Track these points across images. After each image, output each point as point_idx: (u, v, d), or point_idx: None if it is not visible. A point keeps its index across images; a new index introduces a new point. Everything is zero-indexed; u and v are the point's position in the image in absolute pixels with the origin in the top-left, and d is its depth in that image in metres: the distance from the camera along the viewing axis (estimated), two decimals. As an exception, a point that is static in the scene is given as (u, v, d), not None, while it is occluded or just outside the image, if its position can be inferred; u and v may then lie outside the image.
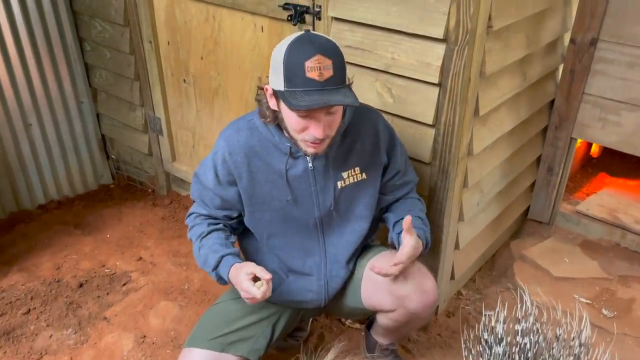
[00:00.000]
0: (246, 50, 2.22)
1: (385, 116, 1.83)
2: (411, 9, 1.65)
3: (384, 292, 1.62)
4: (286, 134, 1.50)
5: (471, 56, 1.63)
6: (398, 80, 1.79)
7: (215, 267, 1.53)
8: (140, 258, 2.50)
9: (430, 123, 1.76)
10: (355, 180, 1.60)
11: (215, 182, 1.59)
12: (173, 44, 2.50)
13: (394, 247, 1.63)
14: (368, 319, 1.94)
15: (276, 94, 1.40)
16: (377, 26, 1.75)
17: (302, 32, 1.38)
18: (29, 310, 2.20)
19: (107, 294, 2.29)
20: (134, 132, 2.96)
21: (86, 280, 2.36)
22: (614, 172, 3.12)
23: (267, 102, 1.47)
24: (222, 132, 1.61)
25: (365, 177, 1.61)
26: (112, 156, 3.20)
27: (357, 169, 1.59)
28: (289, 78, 1.34)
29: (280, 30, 2.06)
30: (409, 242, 1.49)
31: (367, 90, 1.86)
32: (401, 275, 1.56)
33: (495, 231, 2.40)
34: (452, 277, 2.15)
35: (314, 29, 1.92)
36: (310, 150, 1.46)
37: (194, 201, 1.68)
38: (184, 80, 2.56)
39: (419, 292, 1.58)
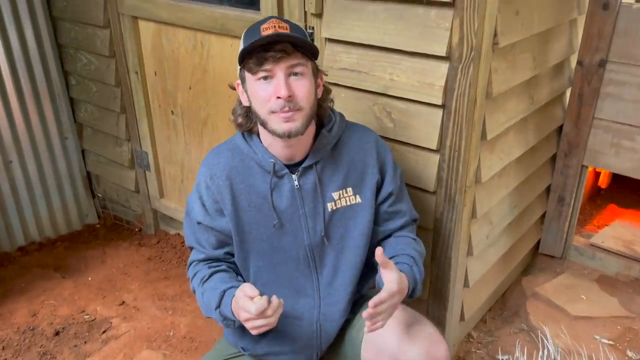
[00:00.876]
0: (235, 78, 2.10)
1: (385, 142, 1.70)
2: (410, 26, 1.53)
3: (385, 355, 1.38)
4: (264, 143, 1.41)
5: (477, 75, 1.50)
6: (398, 102, 1.66)
7: (218, 306, 1.36)
8: (123, 302, 2.32)
9: (434, 148, 1.62)
10: (348, 203, 1.45)
11: (203, 213, 1.46)
12: (160, 74, 2.39)
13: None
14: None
15: (242, 76, 1.37)
16: (374, 46, 1.63)
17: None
18: (-2, 362, 2.00)
19: (85, 342, 2.09)
20: (121, 168, 2.82)
21: (63, 328, 2.17)
22: (624, 204, 2.98)
23: (239, 105, 1.41)
24: (202, 161, 1.49)
25: (360, 201, 1.45)
26: (98, 194, 3.05)
27: (350, 190, 1.45)
28: (246, 41, 1.30)
29: (271, 55, 1.94)
30: (389, 277, 1.26)
31: (364, 115, 1.73)
32: (408, 338, 1.35)
33: (506, 267, 2.23)
34: (462, 319, 1.97)
35: (306, 52, 1.81)
36: (282, 126, 1.32)
37: (191, 249, 1.54)
38: (172, 111, 2.43)
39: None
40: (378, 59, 1.64)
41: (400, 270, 1.32)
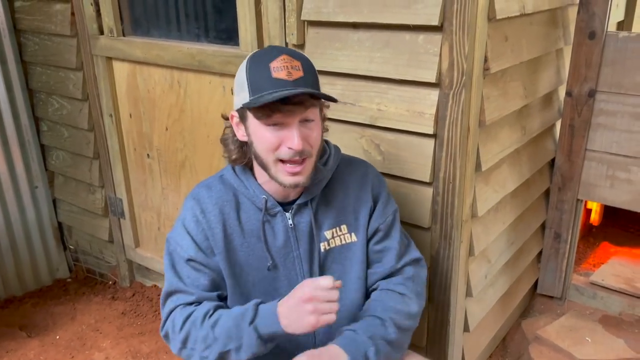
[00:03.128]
0: (215, 116, 2.01)
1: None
2: (397, 52, 1.46)
3: None
4: (259, 180, 1.28)
5: (469, 101, 1.42)
6: (387, 134, 1.57)
7: (252, 321, 1.16)
8: (93, 362, 2.13)
9: (427, 180, 1.53)
10: (343, 242, 1.33)
11: (195, 249, 1.27)
12: (135, 116, 2.29)
13: None
14: None
15: (242, 113, 1.20)
16: (359, 75, 1.56)
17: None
18: None
19: (49, 409, 1.89)
20: (94, 217, 2.67)
21: (25, 393, 1.97)
22: (617, 241, 2.90)
23: (232, 136, 1.27)
24: (186, 198, 1.34)
25: (356, 240, 1.33)
26: (70, 246, 2.88)
27: (344, 228, 1.33)
28: (254, 86, 1.16)
29: (251, 91, 1.86)
30: None
31: (351, 148, 1.64)
32: None
33: (505, 309, 2.10)
34: (463, 368, 1.82)
35: (288, 85, 1.73)
36: (289, 179, 1.20)
37: (168, 297, 1.30)
38: (148, 154, 2.32)
39: None
40: (364, 88, 1.56)
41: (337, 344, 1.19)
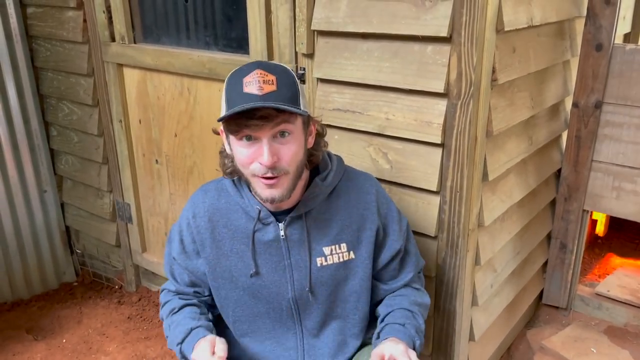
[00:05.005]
0: (224, 124, 2.03)
1: (382, 184, 1.61)
2: (406, 63, 1.48)
3: None
4: (252, 193, 1.28)
5: (477, 112, 1.44)
6: (394, 143, 1.58)
7: (181, 342, 1.29)
8: (99, 366, 2.14)
9: (434, 190, 1.54)
10: (341, 259, 1.33)
11: (179, 250, 1.38)
12: (145, 122, 2.31)
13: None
14: None
15: (224, 128, 1.23)
16: (368, 85, 1.57)
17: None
18: None
19: (55, 412, 1.90)
20: (101, 222, 2.69)
21: (31, 396, 1.98)
22: (623, 253, 2.89)
23: (224, 149, 1.30)
24: (190, 197, 1.40)
25: (354, 257, 1.34)
26: (77, 250, 2.90)
27: (344, 246, 1.32)
28: (228, 101, 1.17)
29: (260, 98, 1.88)
30: (395, 350, 1.18)
31: (359, 157, 1.65)
32: None
33: (511, 319, 2.10)
34: (467, 378, 1.83)
35: (298, 94, 1.75)
36: (265, 192, 1.21)
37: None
38: (157, 160, 2.34)
39: None
40: (373, 98, 1.58)
41: (395, 336, 1.25)
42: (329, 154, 1.38)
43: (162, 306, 1.43)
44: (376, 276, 1.41)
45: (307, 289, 1.32)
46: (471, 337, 1.76)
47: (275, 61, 1.77)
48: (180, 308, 1.37)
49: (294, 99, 1.17)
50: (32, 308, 2.61)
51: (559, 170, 2.17)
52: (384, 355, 1.18)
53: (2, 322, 2.48)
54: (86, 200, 2.71)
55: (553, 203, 2.22)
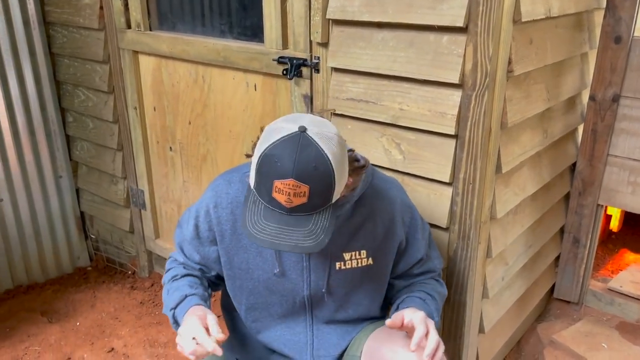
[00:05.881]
0: (237, 112, 2.04)
1: (395, 175, 1.62)
2: (421, 53, 1.47)
3: None
4: None
5: (491, 103, 1.43)
6: (408, 133, 1.58)
7: (175, 307, 1.30)
8: (112, 349, 2.16)
9: (447, 181, 1.53)
10: (359, 265, 1.34)
11: (193, 235, 1.37)
12: (159, 110, 2.33)
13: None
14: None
15: None
16: (382, 74, 1.57)
17: (298, 129, 1.10)
18: (-28, 414, 1.84)
19: (68, 393, 1.94)
20: (116, 208, 2.72)
21: (46, 377, 2.02)
22: (637, 248, 2.86)
23: (249, 154, 1.25)
24: (213, 181, 1.39)
25: (372, 263, 1.35)
26: (91, 235, 2.93)
27: (364, 252, 1.33)
28: (257, 181, 1.13)
29: (274, 87, 1.88)
30: (414, 316, 1.21)
31: (372, 147, 1.65)
32: (404, 352, 1.25)
33: (521, 312, 2.10)
34: (476, 369, 1.83)
35: (311, 83, 1.75)
36: None
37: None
38: (170, 148, 2.35)
39: None
40: (387, 88, 1.57)
41: (415, 307, 1.27)
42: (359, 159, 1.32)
43: (166, 272, 1.45)
44: (394, 275, 1.44)
45: (323, 290, 1.33)
46: (481, 330, 1.76)
47: (290, 49, 1.77)
48: (182, 276, 1.39)
49: (324, 202, 1.13)
50: (46, 291, 2.65)
51: (574, 164, 2.15)
52: (404, 318, 1.20)
53: (18, 305, 2.53)
54: (101, 186, 2.74)
55: (567, 197, 2.20)
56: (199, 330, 1.15)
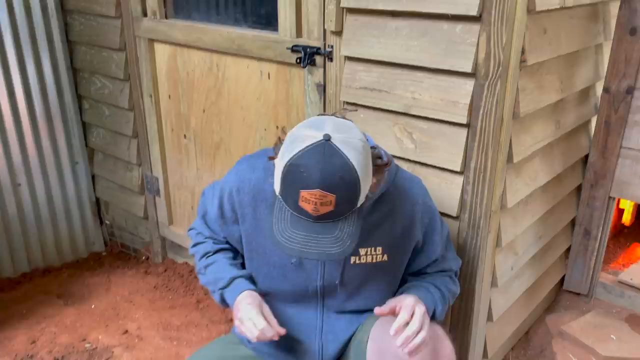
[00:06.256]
0: (251, 100, 2.06)
1: (406, 164, 1.63)
2: (435, 42, 1.48)
3: (390, 356, 1.29)
4: None
5: (504, 93, 1.44)
6: (420, 122, 1.59)
7: (223, 287, 1.39)
8: (126, 331, 2.21)
9: (458, 170, 1.55)
10: (374, 260, 1.36)
11: (217, 214, 1.44)
12: (174, 98, 2.35)
13: None
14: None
15: None
16: (395, 63, 1.58)
17: (322, 137, 1.10)
18: (-8, 390, 1.90)
19: (84, 372, 1.99)
20: (130, 194, 2.76)
21: (62, 357, 2.06)
22: (649, 242, 2.86)
23: (278, 146, 1.24)
24: (237, 163, 1.43)
25: (387, 260, 1.37)
26: (106, 221, 2.98)
27: (379, 249, 1.35)
28: (283, 190, 1.14)
29: (288, 76, 1.90)
30: (404, 303, 1.26)
31: (384, 136, 1.66)
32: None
33: (530, 303, 2.11)
34: (485, 355, 1.84)
35: (325, 71, 1.76)
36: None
37: (196, 220, 1.56)
38: (185, 135, 2.38)
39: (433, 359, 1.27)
40: (399, 77, 1.58)
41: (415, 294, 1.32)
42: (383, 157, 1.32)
43: (194, 245, 1.51)
44: (409, 272, 1.47)
45: (336, 282, 1.36)
46: (489, 318, 1.78)
47: (304, 38, 1.78)
48: (215, 252, 1.46)
49: (350, 207, 1.14)
50: (62, 275, 2.70)
51: (587, 156, 2.15)
52: (396, 306, 1.25)
53: (35, 287, 2.58)
54: (116, 173, 2.78)
55: (579, 189, 2.20)
56: (259, 320, 1.26)
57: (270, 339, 1.25)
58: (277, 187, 1.16)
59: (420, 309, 1.24)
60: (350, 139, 1.12)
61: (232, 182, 1.38)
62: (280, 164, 1.14)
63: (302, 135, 1.12)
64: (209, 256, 1.47)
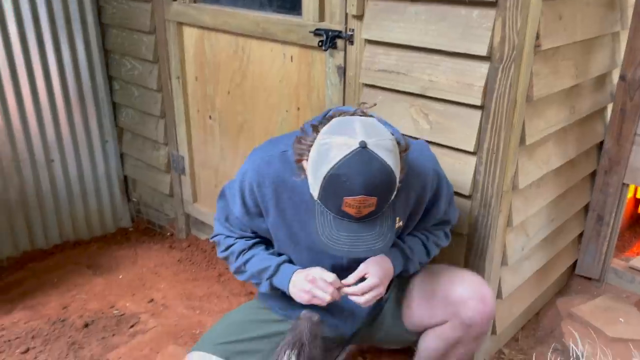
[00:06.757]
0: (274, 82, 2.14)
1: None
2: (452, 26, 1.54)
3: (435, 299, 1.50)
4: None
5: (517, 75, 1.49)
6: (436, 104, 1.66)
7: (271, 275, 1.47)
8: (152, 300, 2.33)
9: (472, 150, 1.61)
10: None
11: (243, 211, 1.48)
12: (201, 79, 2.45)
13: None
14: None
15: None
16: (413, 47, 1.65)
17: (359, 145, 1.14)
18: (28, 349, 2.03)
19: (113, 335, 2.10)
20: (157, 173, 2.87)
21: (92, 321, 2.19)
22: (665, 232, 2.87)
23: (303, 139, 1.28)
24: (250, 157, 1.49)
25: (402, 225, 1.46)
26: (133, 199, 3.10)
27: (397, 218, 1.41)
28: (324, 197, 1.20)
29: (310, 59, 1.98)
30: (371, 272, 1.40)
31: (401, 117, 1.73)
32: (457, 280, 1.49)
33: (540, 285, 2.16)
34: (494, 332, 1.91)
35: (345, 54, 1.83)
36: None
37: (218, 226, 1.59)
38: (210, 116, 2.48)
39: (477, 299, 1.44)
40: (417, 60, 1.65)
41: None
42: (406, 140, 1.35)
43: (226, 248, 1.54)
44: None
45: (362, 259, 1.44)
46: (499, 295, 1.84)
47: (326, 22, 1.85)
48: (250, 247, 1.52)
49: (388, 203, 1.22)
50: (91, 247, 2.83)
51: (602, 143, 2.18)
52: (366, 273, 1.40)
53: (66, 258, 2.72)
54: (144, 152, 2.90)
55: (593, 175, 2.24)
56: (328, 275, 1.38)
57: (329, 300, 1.36)
58: (315, 192, 1.21)
59: (374, 292, 1.39)
60: (382, 140, 1.17)
61: (251, 178, 1.43)
62: (317, 171, 1.18)
63: (336, 144, 1.16)
64: (245, 253, 1.52)
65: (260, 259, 1.50)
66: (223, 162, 2.52)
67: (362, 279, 1.40)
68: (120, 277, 2.52)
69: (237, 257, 1.52)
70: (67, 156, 2.79)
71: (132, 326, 2.15)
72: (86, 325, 2.16)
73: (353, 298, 1.38)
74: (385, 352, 1.94)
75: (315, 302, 1.38)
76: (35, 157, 2.67)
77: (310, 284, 1.38)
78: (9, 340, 2.07)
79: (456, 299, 1.45)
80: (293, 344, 1.32)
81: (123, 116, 2.93)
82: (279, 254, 1.53)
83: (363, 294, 1.37)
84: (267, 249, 1.54)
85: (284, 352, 1.32)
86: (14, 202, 2.64)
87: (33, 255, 2.71)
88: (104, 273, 2.57)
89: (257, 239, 1.55)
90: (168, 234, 2.92)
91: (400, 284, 1.60)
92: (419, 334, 1.58)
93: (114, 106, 2.93)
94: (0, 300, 2.35)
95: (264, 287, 1.50)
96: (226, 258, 1.57)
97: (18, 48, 2.49)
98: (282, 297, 1.52)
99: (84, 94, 2.78)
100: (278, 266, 1.47)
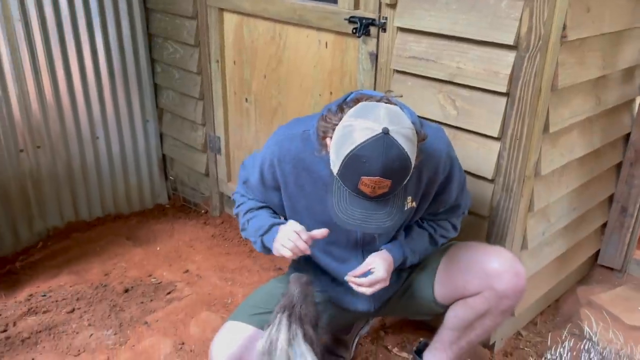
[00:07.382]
0: (308, 68, 2.24)
1: (448, 129, 1.77)
2: (481, 15, 1.61)
3: (471, 271, 1.57)
4: None
5: (543, 64, 1.55)
6: (463, 90, 1.73)
7: (263, 234, 1.53)
8: (187, 270, 2.47)
9: (496, 136, 1.68)
10: (407, 207, 1.51)
11: (258, 182, 1.60)
12: (239, 64, 2.56)
13: None
14: (419, 342, 1.81)
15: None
16: (443, 35, 1.72)
17: (382, 131, 1.22)
18: (73, 309, 2.19)
19: (151, 300, 2.25)
20: (194, 152, 3.01)
21: (132, 287, 2.35)
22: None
23: (328, 118, 1.37)
24: (275, 133, 1.59)
25: (414, 206, 1.54)
26: (171, 177, 3.25)
27: (409, 198, 1.51)
28: (343, 174, 1.29)
29: (344, 45, 2.07)
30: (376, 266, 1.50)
31: (428, 103, 1.81)
32: (493, 254, 1.57)
33: (561, 271, 2.22)
34: (512, 314, 1.98)
35: (378, 41, 1.91)
36: None
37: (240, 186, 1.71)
38: (246, 99, 2.59)
39: (512, 272, 1.52)
40: (446, 47, 1.72)
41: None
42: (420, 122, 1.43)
43: (238, 205, 1.68)
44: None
45: (375, 235, 1.54)
46: (518, 278, 1.91)
47: (361, 10, 1.94)
48: (258, 208, 1.63)
49: (401, 185, 1.31)
50: (131, 221, 3.00)
51: (629, 134, 2.21)
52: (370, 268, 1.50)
53: (107, 230, 2.88)
54: (182, 132, 3.03)
55: (618, 166, 2.27)
56: (296, 225, 1.46)
57: (304, 250, 1.43)
58: (335, 169, 1.30)
59: (375, 287, 1.48)
60: (403, 129, 1.26)
61: (273, 153, 1.52)
62: (340, 149, 1.26)
63: (360, 127, 1.24)
64: (252, 211, 1.62)
65: (261, 218, 1.59)
66: (257, 144, 2.64)
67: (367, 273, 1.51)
68: (158, 248, 2.67)
69: (244, 214, 1.63)
70: (111, 134, 2.94)
71: (168, 293, 2.30)
72: (126, 291, 2.31)
73: (360, 289, 1.48)
74: (406, 327, 2.04)
75: (283, 251, 1.46)
76: (81, 134, 2.83)
77: (283, 236, 1.46)
78: (57, 301, 2.24)
79: (492, 272, 1.53)
80: (284, 306, 1.41)
81: (164, 97, 3.07)
82: (282, 219, 1.62)
83: (370, 285, 1.48)
84: (274, 212, 1.63)
85: (276, 316, 1.40)
86: (61, 176, 2.81)
87: (77, 226, 2.88)
88: (142, 244, 2.72)
89: (267, 206, 1.64)
90: (202, 211, 3.06)
91: (433, 257, 1.68)
92: (447, 306, 1.66)
93: (155, 88, 3.07)
94: (47, 265, 2.53)
95: (257, 247, 1.59)
96: (237, 215, 1.68)
97: (69, 27, 2.64)
98: (310, 270, 1.61)
99: (128, 75, 2.92)
100: (271, 226, 1.54)
